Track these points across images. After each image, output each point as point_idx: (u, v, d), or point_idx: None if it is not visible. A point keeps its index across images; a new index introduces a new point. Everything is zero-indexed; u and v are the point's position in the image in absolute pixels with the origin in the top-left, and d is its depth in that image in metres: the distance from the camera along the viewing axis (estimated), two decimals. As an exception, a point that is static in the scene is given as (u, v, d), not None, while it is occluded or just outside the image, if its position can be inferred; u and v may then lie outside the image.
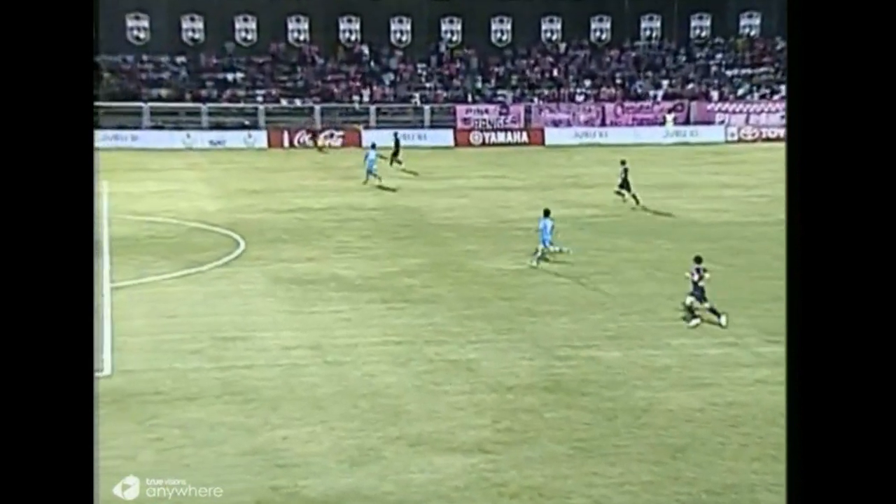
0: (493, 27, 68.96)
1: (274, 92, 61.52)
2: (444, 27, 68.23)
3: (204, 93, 60.06)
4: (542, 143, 61.39)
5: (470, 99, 64.41)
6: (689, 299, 23.84)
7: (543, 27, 69.84)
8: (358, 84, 63.76)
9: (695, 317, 23.61)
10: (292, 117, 59.27)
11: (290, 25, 65.33)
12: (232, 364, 21.13)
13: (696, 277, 23.78)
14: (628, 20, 70.51)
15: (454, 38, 68.43)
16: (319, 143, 56.89)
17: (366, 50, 66.27)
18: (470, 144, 60.44)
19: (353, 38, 66.58)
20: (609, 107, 64.48)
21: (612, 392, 19.38)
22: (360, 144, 56.23)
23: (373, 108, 61.20)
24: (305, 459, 16.59)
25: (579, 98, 65.69)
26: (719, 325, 23.37)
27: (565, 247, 30.17)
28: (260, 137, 56.33)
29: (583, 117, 63.76)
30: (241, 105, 59.67)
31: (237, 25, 64.32)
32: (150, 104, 57.32)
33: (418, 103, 62.40)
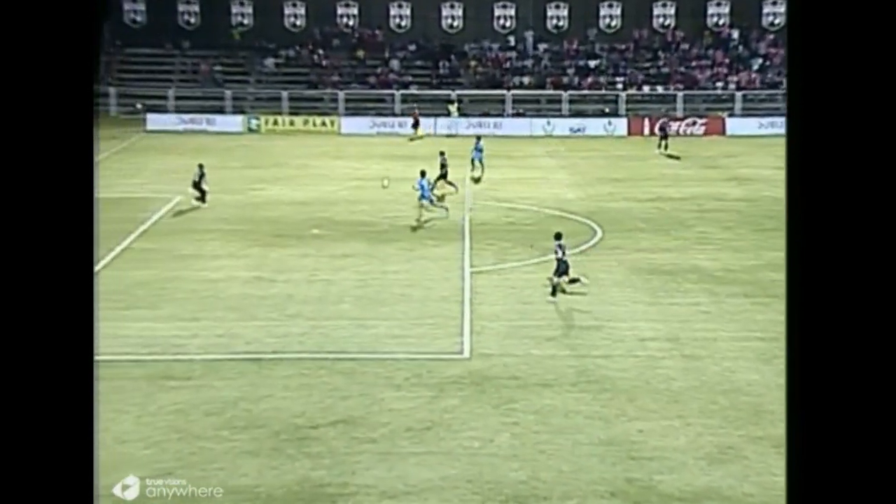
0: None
1: (636, 78, 61.41)
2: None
3: (565, 80, 60.97)
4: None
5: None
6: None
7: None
8: (724, 70, 62.32)
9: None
10: (653, 105, 58.90)
11: (656, 11, 64.89)
12: (587, 353, 21.39)
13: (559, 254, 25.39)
14: None
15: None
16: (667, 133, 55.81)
17: (735, 34, 64.63)
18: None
19: (720, 22, 65.14)
20: None
21: None
22: (723, 132, 54.91)
23: (738, 94, 59.61)
24: (661, 454, 16.52)
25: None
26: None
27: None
28: (620, 125, 56.43)
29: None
30: (602, 92, 60.03)
31: (601, 12, 64.72)
32: (513, 92, 58.96)
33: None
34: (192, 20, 63.17)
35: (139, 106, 55.54)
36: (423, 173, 34.57)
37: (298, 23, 63.52)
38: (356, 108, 57.61)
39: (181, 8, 63.26)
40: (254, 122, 55.45)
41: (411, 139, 52.20)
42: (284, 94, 57.94)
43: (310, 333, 22.80)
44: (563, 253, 25.45)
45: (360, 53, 62.33)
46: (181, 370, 20.44)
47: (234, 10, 63.29)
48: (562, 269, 25.39)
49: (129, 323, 23.17)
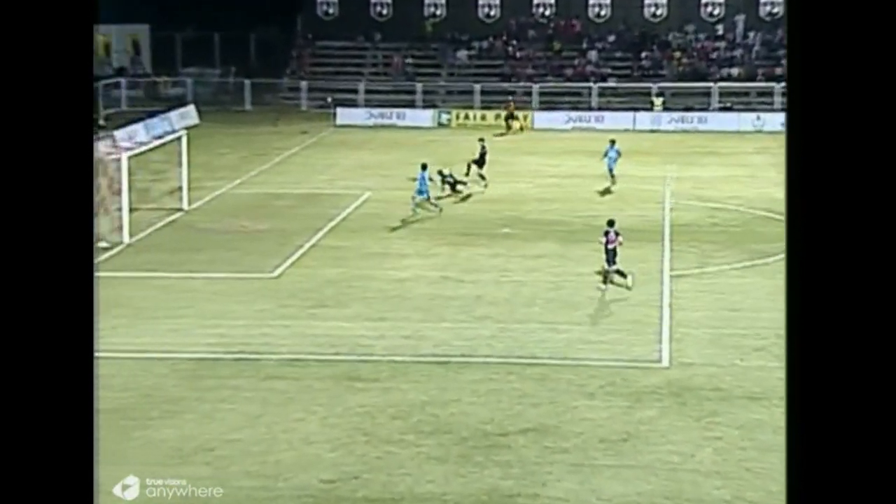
0: None
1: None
2: None
3: (779, 71, 59.26)
4: None
5: None
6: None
7: None
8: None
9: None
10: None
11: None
12: (798, 365, 20.71)
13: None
14: None
15: None
16: None
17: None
18: None
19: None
20: None
21: None
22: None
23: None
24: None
25: None
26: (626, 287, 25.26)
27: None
28: (838, 119, 54.37)
29: None
30: (818, 84, 58.12)
31: None
32: (720, 84, 57.73)
33: None
34: (385, 12, 64.40)
35: (329, 100, 56.99)
36: (424, 166, 34.29)
37: (493, 13, 63.93)
38: (551, 102, 57.53)
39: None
40: (444, 116, 56.10)
41: (502, 134, 51.66)
42: (476, 87, 58.42)
43: (499, 336, 22.89)
44: (612, 241, 26.15)
45: (557, 44, 62.23)
46: (368, 371, 20.85)
47: (428, 1, 64.20)
48: (611, 257, 26.13)
49: (316, 322, 23.80)
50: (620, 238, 26.37)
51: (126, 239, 30.54)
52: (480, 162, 38.21)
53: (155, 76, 64.45)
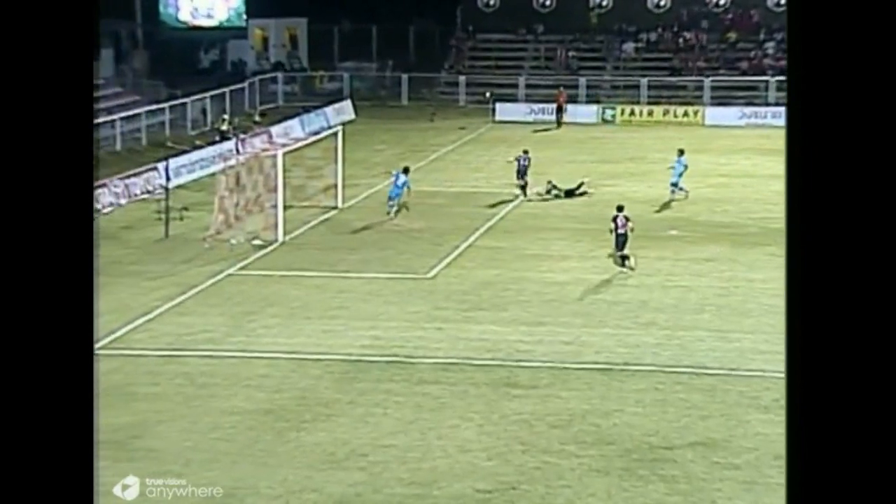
0: None
1: None
2: None
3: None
4: None
5: None
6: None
7: None
8: None
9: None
10: None
11: None
12: None
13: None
14: None
15: None
16: None
17: None
18: None
19: None
20: None
21: None
22: None
23: None
24: None
25: None
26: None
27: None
28: None
29: None
30: None
31: None
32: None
33: None
34: (548, 3, 64.35)
35: (488, 95, 57.26)
36: (406, 170, 34.39)
37: (662, 3, 63.20)
38: (724, 97, 56.62)
39: (536, -10, 64.61)
40: (609, 112, 55.75)
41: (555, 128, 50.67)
42: (643, 81, 57.87)
43: (665, 344, 22.61)
44: (622, 226, 27.86)
45: (732, 35, 61.16)
46: (526, 378, 20.85)
47: (592, -10, 63.89)
48: (620, 242, 27.71)
49: (472, 325, 23.93)
50: (631, 224, 28.09)
51: (280, 237, 31.26)
52: (521, 172, 37.13)
53: (312, 71, 65.80)
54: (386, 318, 24.46)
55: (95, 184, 35.49)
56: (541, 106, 56.16)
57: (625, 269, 27.57)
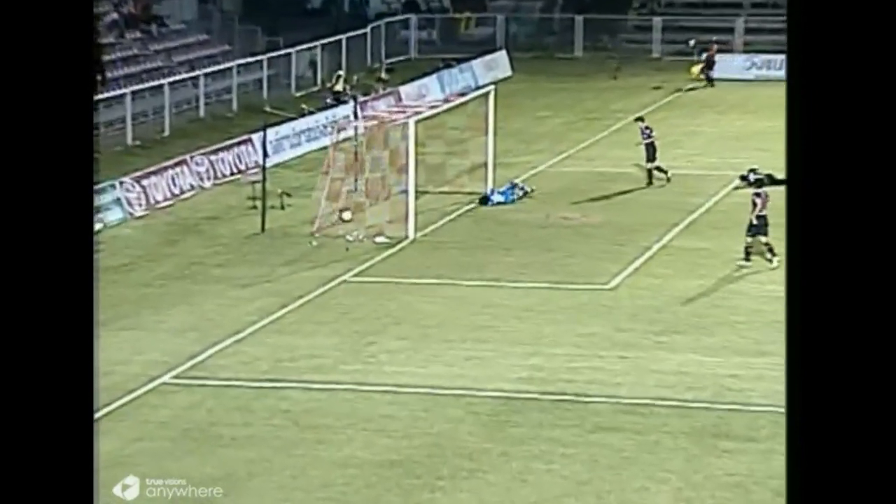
0: None
1: None
2: None
3: None
4: None
5: None
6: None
7: None
8: None
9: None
10: None
11: None
12: None
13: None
14: None
15: None
16: None
17: None
18: None
19: None
20: None
21: None
22: None
23: None
24: None
25: None
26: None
27: None
28: None
29: None
30: None
31: None
32: None
33: None
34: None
35: (692, 43, 56.70)
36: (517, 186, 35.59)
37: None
38: None
39: None
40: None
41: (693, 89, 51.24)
42: None
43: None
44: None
45: None
46: (741, 426, 20.63)
47: None
48: (758, 228, 28.72)
49: (666, 354, 23.74)
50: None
51: (411, 233, 31.48)
52: (650, 154, 36.70)
53: (455, 12, 66.15)
54: (550, 342, 24.47)
55: (172, 161, 36.44)
56: (766, 58, 55.29)
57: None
